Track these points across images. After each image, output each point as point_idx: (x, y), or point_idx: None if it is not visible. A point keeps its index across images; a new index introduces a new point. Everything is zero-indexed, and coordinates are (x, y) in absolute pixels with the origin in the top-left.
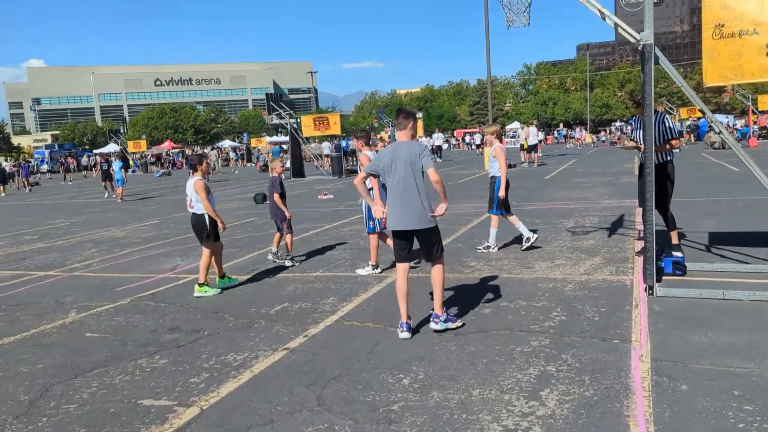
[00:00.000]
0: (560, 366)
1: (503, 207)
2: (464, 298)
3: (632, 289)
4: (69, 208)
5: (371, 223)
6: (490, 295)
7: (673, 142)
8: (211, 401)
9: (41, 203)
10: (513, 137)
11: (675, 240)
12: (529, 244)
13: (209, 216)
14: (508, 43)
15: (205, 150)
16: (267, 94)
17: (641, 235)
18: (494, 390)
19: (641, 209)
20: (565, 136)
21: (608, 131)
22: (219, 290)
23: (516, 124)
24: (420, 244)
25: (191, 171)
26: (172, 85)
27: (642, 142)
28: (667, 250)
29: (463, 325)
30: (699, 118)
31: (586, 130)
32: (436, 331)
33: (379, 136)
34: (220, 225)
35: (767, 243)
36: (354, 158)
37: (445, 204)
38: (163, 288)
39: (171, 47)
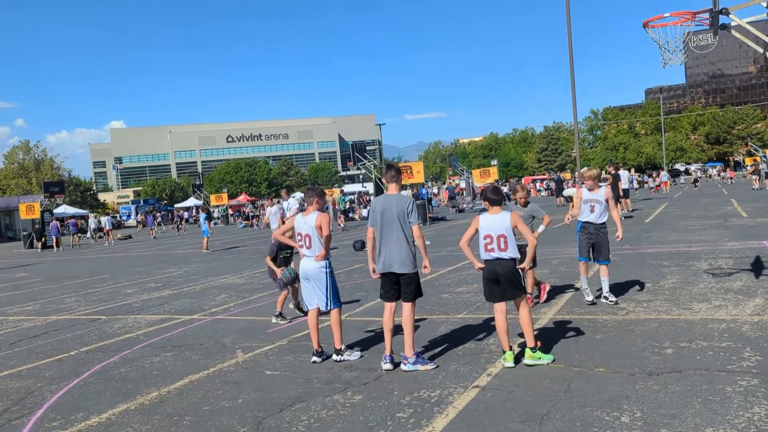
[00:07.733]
0: None
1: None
2: (632, 339)
3: None
4: (173, 258)
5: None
6: (661, 336)
7: None
8: None
9: (145, 254)
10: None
11: None
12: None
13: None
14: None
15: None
16: (352, 145)
17: None
18: (728, 428)
19: None
20: (640, 182)
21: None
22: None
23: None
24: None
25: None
26: (243, 141)
27: None
28: None
29: (437, 366)
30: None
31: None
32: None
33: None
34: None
35: None
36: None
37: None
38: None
39: (241, 105)
